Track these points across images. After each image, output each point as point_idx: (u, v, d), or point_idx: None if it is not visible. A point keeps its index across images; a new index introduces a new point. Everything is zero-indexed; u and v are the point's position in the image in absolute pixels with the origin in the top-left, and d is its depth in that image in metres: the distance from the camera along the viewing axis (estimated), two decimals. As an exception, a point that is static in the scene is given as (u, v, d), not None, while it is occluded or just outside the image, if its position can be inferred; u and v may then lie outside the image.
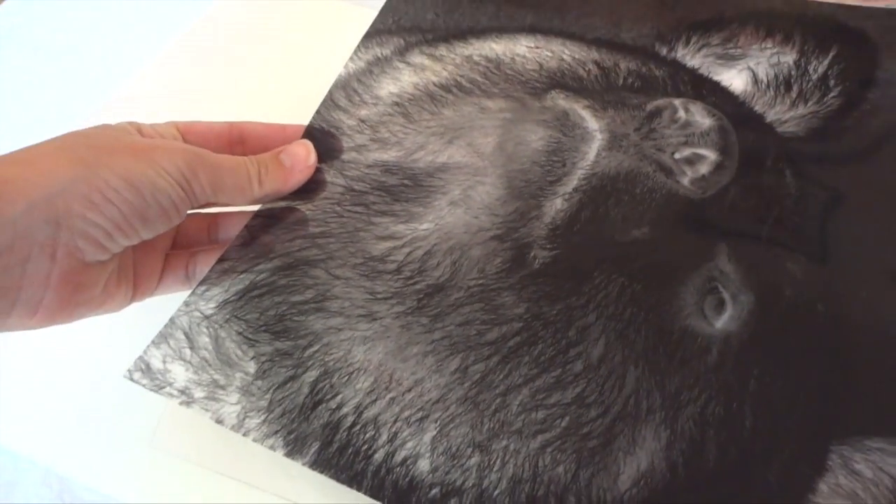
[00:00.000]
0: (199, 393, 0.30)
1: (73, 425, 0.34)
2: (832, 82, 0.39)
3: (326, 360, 0.31)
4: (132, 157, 0.29)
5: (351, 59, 0.40)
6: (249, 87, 0.47)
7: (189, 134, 0.34)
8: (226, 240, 0.35)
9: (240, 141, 0.36)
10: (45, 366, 0.36)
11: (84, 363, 0.36)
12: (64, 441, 0.34)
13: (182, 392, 0.30)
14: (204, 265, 0.34)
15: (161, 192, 0.29)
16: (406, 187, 0.35)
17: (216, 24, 0.51)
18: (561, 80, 0.39)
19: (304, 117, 0.38)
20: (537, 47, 0.40)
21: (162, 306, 0.33)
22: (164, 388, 0.30)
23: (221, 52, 0.49)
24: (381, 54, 0.41)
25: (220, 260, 0.33)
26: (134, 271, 0.32)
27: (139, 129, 0.32)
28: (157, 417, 0.33)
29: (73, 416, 0.34)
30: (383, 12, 0.43)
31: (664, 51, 0.41)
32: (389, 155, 0.36)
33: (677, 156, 0.35)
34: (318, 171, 0.36)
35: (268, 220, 0.34)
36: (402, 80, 0.39)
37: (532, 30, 0.41)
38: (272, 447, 0.29)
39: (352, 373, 0.30)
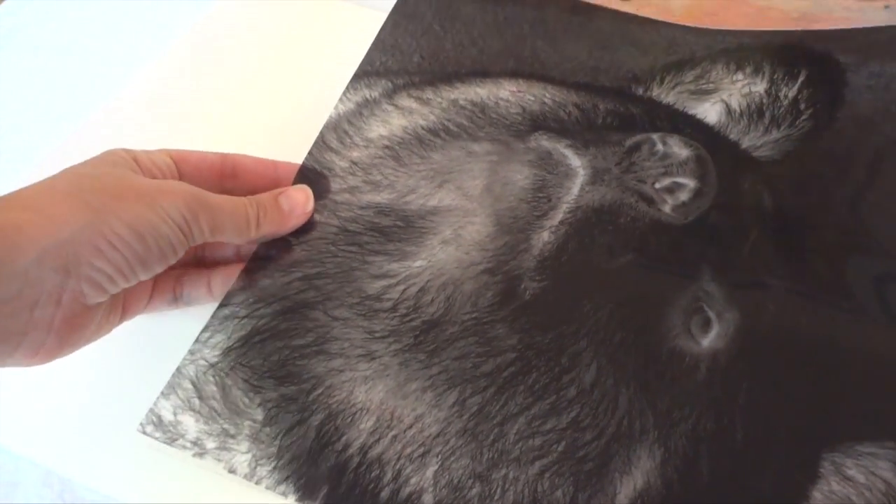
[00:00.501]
0: (210, 444, 0.31)
1: (73, 426, 0.34)
2: (803, 105, 0.40)
3: (330, 402, 0.31)
4: (137, 202, 0.29)
5: (340, 100, 0.41)
6: (250, 87, 0.47)
7: (182, 163, 0.34)
8: (212, 259, 0.36)
9: (232, 175, 0.36)
10: (45, 366, 0.35)
11: (85, 363, 0.35)
12: (65, 442, 0.33)
13: (194, 444, 0.31)
14: (190, 287, 0.35)
15: (163, 237, 0.29)
16: (399, 228, 0.36)
17: (216, 24, 0.50)
18: (543, 123, 0.39)
19: (303, 118, 0.39)
20: (519, 91, 0.41)
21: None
22: (176, 440, 0.31)
23: (221, 53, 0.49)
24: (370, 96, 0.41)
25: (221, 305, 0.34)
26: (124, 300, 0.32)
27: (135, 157, 0.32)
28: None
29: (73, 416, 0.34)
30: (370, 54, 0.43)
31: (640, 91, 0.41)
32: (382, 197, 0.37)
33: (658, 185, 0.36)
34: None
35: (264, 262, 0.35)
36: (391, 123, 0.40)
37: (514, 74, 0.42)
38: (284, 493, 0.29)
39: (355, 413, 0.31)
